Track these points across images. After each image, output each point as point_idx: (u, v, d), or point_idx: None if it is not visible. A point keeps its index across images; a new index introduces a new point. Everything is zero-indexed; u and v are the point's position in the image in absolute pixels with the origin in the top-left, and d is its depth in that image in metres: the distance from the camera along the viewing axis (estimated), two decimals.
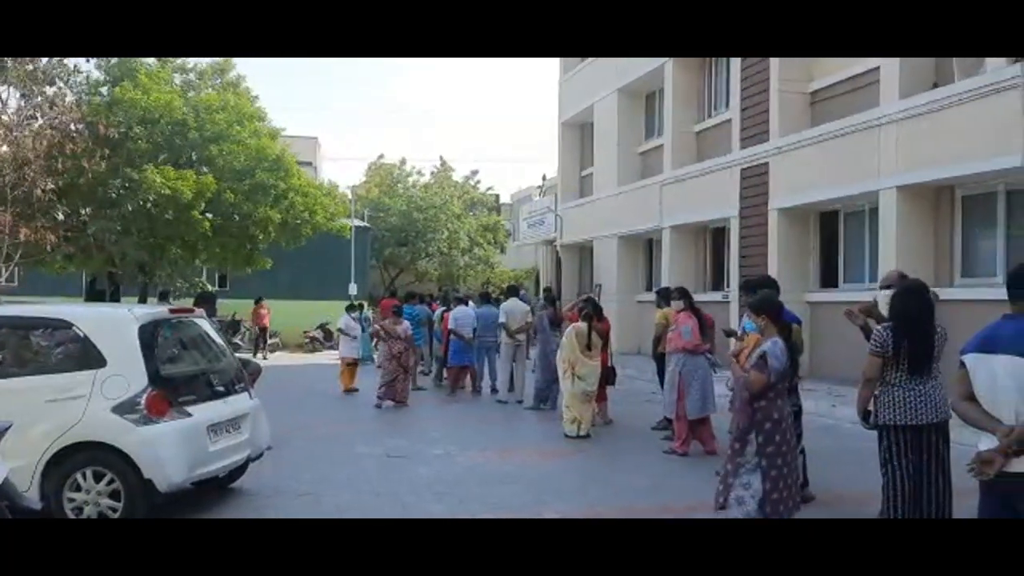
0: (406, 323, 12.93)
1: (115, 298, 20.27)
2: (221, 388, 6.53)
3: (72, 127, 15.79)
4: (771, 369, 4.79)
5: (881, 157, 11.68)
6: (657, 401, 10.40)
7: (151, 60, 18.75)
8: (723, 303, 15.21)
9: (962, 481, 4.40)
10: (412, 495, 6.82)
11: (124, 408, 5.64)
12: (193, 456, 5.89)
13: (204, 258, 20.90)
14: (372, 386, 12.63)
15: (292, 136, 24.80)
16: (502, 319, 12.49)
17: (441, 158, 41.71)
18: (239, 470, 6.82)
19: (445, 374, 14.35)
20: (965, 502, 4.83)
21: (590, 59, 20.71)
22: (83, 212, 17.71)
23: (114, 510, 5.64)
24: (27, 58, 13.85)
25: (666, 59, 17.16)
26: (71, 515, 5.62)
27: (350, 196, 29.84)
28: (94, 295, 22.26)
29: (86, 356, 5.80)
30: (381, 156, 37.13)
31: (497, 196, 38.70)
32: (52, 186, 14.92)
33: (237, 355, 7.71)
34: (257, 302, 22.41)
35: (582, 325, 9.74)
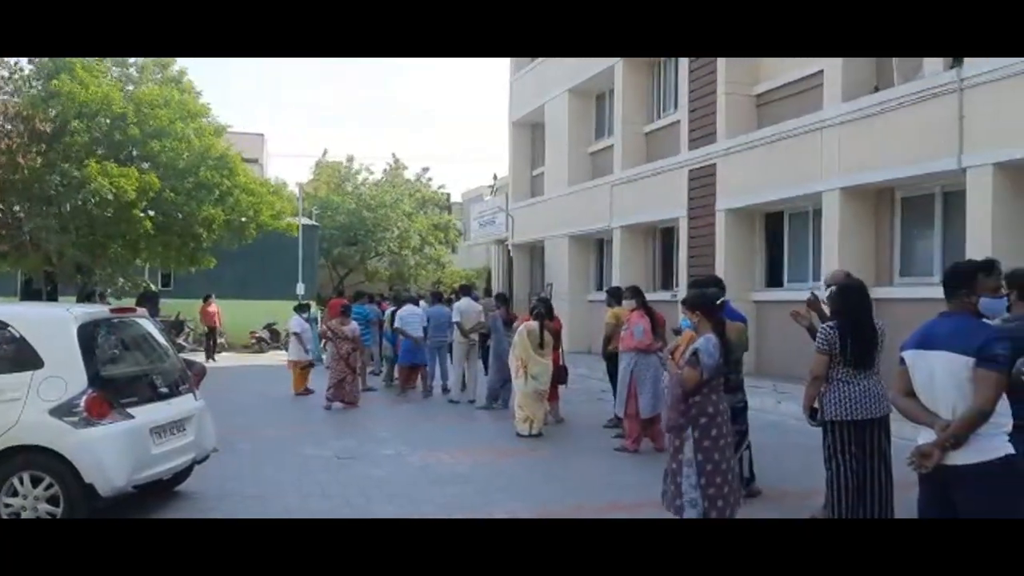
0: (354, 323, 12.79)
1: (52, 298, 19.64)
2: (165, 389, 6.39)
3: (2, 123, 15.27)
4: (704, 366, 4.85)
5: (824, 159, 11.95)
6: (608, 400, 10.48)
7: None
8: (672, 302, 15.39)
9: (903, 474, 4.53)
10: (362, 497, 6.75)
11: (62, 410, 5.48)
12: (135, 459, 5.75)
13: (146, 257, 20.40)
14: (324, 388, 12.48)
15: (238, 133, 24.34)
16: (456, 318, 12.45)
17: (394, 155, 41.51)
18: (184, 473, 6.68)
19: (396, 374, 14.26)
20: (905, 494, 4.97)
21: (540, 59, 20.78)
22: (17, 209, 17.13)
23: (53, 515, 5.47)
24: None
25: (616, 60, 17.30)
26: None
27: (298, 194, 29.36)
28: (30, 295, 21.56)
29: (22, 357, 5.63)
30: (325, 152, 36.70)
31: (448, 195, 38.53)
32: None
33: (182, 355, 7.56)
34: (206, 299, 21.68)
35: (534, 324, 9.77)
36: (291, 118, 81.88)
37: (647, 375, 8.46)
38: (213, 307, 21.43)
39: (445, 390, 13.08)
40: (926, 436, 3.65)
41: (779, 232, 14.01)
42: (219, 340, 22.22)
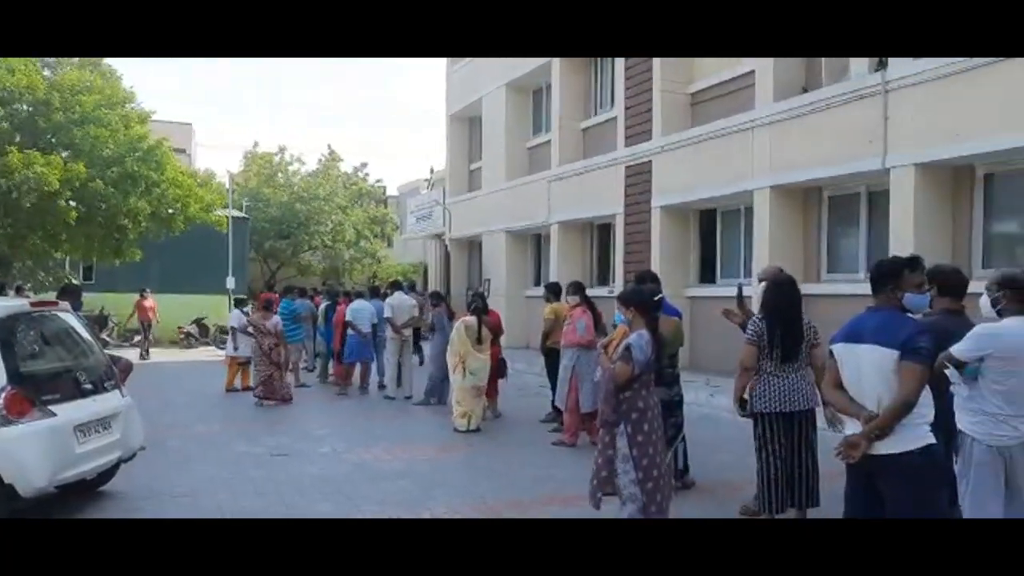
0: (276, 317, 12.46)
1: None
2: (89, 386, 6.16)
3: None
4: (635, 361, 4.91)
5: (755, 158, 12.23)
6: (545, 395, 10.53)
7: None
8: (609, 298, 15.55)
9: (829, 464, 4.67)
10: (297, 494, 6.64)
11: None
12: (58, 458, 5.54)
13: (67, 249, 19.62)
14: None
15: (165, 122, 23.58)
16: (387, 313, 12.26)
17: (329, 147, 40.76)
18: (109, 472, 6.45)
19: (331, 370, 14.03)
20: (832, 484, 5.14)
21: None
22: None
23: None
24: None
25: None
26: None
27: (227, 185, 28.58)
28: None
29: None
30: (256, 144, 35.81)
31: (384, 188, 38.11)
32: None
33: (107, 351, 7.30)
34: (142, 293, 20.81)
35: (472, 319, 9.76)
36: (291, 118, 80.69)
37: (589, 370, 8.52)
38: (149, 301, 20.53)
39: (381, 386, 12.95)
40: (853, 427, 3.77)
41: (712, 229, 14.29)
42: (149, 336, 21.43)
